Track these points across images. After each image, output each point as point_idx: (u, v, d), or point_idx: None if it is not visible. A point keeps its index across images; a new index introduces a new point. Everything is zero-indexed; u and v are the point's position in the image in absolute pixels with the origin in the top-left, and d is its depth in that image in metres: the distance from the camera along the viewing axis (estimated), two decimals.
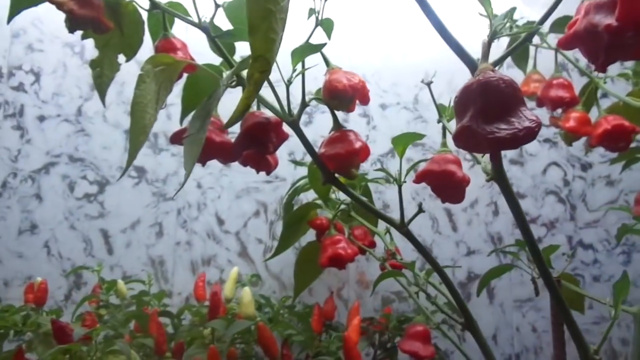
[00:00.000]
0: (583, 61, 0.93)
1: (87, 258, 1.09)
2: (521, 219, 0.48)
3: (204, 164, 0.64)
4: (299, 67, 0.59)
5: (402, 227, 0.58)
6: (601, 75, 0.84)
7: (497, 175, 0.48)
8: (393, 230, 1.13)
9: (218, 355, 0.62)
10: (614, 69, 1.15)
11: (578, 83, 0.88)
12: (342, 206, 0.94)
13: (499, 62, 0.81)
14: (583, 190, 1.24)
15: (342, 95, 0.58)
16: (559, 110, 0.86)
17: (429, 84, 0.60)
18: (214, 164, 1.17)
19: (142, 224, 1.12)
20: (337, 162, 0.60)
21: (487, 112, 0.37)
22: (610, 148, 0.80)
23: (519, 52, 0.93)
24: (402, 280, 0.87)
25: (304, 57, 0.58)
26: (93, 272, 0.93)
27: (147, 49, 0.66)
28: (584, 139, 1.02)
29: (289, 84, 0.59)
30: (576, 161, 1.25)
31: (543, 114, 1.26)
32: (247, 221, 1.15)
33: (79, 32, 0.61)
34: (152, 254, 1.12)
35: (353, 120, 1.21)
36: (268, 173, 0.69)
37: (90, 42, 1.18)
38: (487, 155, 0.58)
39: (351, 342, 0.67)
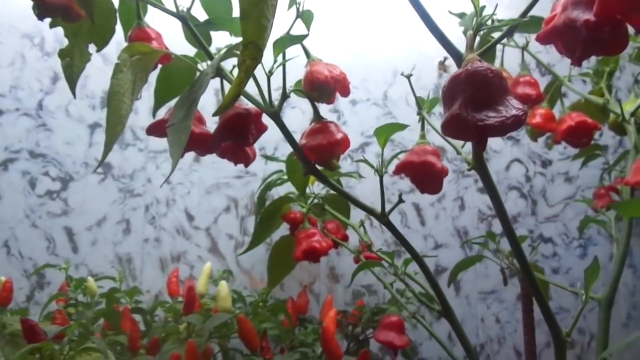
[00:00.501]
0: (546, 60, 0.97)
1: (50, 257, 1.05)
2: (499, 206, 0.50)
3: (182, 155, 0.63)
4: (279, 58, 0.59)
5: (383, 217, 0.59)
6: (564, 74, 0.88)
7: (478, 164, 0.49)
8: (366, 223, 1.15)
9: (196, 350, 0.61)
10: (575, 68, 1.20)
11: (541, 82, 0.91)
12: (316, 200, 0.94)
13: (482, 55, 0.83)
14: (543, 186, 1.29)
15: (323, 87, 0.59)
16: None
17: (408, 77, 0.61)
18: (184, 159, 1.15)
19: (108, 221, 1.09)
20: (319, 153, 0.60)
21: (476, 101, 0.38)
22: (573, 144, 0.83)
23: (486, 50, 0.95)
24: (377, 273, 0.89)
25: (285, 47, 0.58)
26: (60, 270, 0.90)
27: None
28: (546, 136, 1.07)
29: (270, 74, 0.59)
30: (537, 158, 1.30)
31: None
32: (217, 217, 1.14)
33: (41, 23, 0.59)
34: (119, 251, 1.09)
35: (325, 115, 1.21)
36: (246, 165, 0.68)
37: (50, 34, 1.15)
38: (467, 146, 0.60)
39: (329, 333, 0.68)
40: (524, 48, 0.87)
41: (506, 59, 0.97)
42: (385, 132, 0.57)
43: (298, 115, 1.21)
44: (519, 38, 0.91)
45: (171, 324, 0.77)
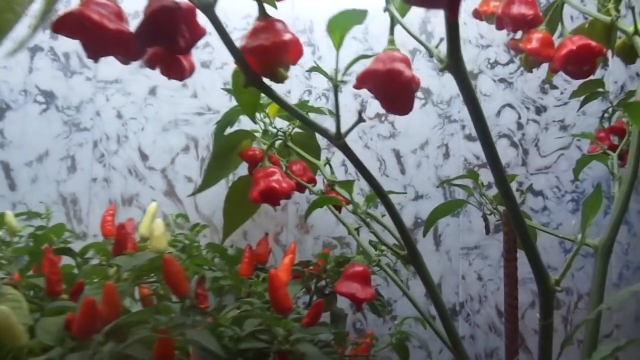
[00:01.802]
0: None
1: None
2: (480, 123, 0.39)
3: (96, 59, 0.52)
4: None
5: (339, 139, 0.49)
6: None
7: (453, 60, 0.38)
8: (335, 164, 1.04)
9: (115, 294, 0.51)
10: None
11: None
12: (280, 135, 0.83)
13: None
14: (536, 134, 1.18)
15: None
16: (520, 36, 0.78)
17: None
18: (137, 90, 1.03)
19: (51, 156, 0.98)
20: (262, 58, 0.49)
21: None
22: (574, 73, 0.72)
23: None
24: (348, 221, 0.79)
25: None
26: None
27: None
28: (539, 77, 0.94)
29: None
30: (531, 103, 1.18)
31: (499, 52, 1.18)
32: (174, 157, 1.03)
33: None
34: (63, 190, 0.98)
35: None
36: (181, 79, 0.57)
37: None
38: (442, 47, 0.48)
39: (277, 281, 0.58)
40: None
41: None
42: (340, 26, 0.45)
43: None
44: None
45: (103, 267, 0.67)
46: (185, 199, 1.02)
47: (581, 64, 0.70)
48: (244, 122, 0.90)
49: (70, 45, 1.00)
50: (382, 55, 0.48)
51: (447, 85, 1.13)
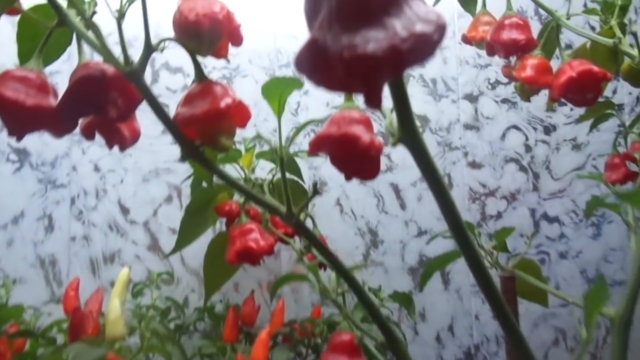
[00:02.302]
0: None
1: None
2: (445, 203, 0.32)
3: (19, 137, 0.46)
4: None
5: (291, 218, 0.41)
6: (563, 11, 0.68)
7: (407, 133, 0.31)
8: (322, 214, 0.97)
9: None
10: (578, 4, 0.99)
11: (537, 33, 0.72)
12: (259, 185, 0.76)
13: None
14: (547, 156, 1.09)
15: (196, 31, 0.40)
16: (514, 60, 0.70)
17: None
18: None
19: (26, 217, 0.93)
20: (198, 128, 0.42)
21: (347, 11, 0.19)
22: (576, 101, 0.64)
23: None
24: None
25: None
26: None
27: None
28: (545, 94, 0.87)
29: (120, 16, 0.40)
30: (538, 123, 1.10)
31: (498, 70, 1.10)
32: (157, 208, 0.97)
33: None
34: (41, 252, 0.93)
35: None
36: (122, 148, 0.51)
37: None
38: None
39: None
40: None
41: (496, 3, 0.77)
42: (277, 92, 0.38)
43: (250, 85, 1.02)
44: None
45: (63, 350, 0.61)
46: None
47: (584, 91, 0.62)
48: (227, 169, 0.84)
49: None
50: (337, 115, 0.41)
51: (446, 111, 1.06)
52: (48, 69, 0.49)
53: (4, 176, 0.93)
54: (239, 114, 0.43)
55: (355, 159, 0.41)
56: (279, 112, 0.39)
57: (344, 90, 0.21)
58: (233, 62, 1.02)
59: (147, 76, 0.96)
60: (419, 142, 0.31)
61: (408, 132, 0.32)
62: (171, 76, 0.99)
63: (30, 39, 0.53)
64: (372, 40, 0.18)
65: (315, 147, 0.41)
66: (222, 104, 0.41)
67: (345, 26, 0.19)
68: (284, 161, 0.41)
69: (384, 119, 0.37)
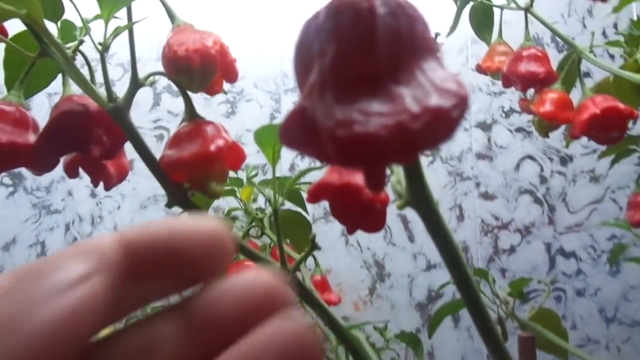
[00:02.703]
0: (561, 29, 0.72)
1: None
2: (459, 273, 0.27)
3: None
4: (119, 22, 0.37)
5: (285, 276, 0.37)
6: (585, 44, 0.64)
7: (417, 197, 0.27)
8: (326, 246, 0.93)
9: None
10: (599, 38, 0.95)
11: (554, 60, 0.68)
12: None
13: (454, 26, 0.59)
14: (563, 188, 1.04)
15: (187, 67, 0.37)
16: (532, 92, 0.66)
17: None
18: None
19: (19, 243, 0.89)
20: (186, 172, 0.38)
21: (343, 73, 0.15)
22: (600, 139, 0.60)
23: (480, 17, 0.72)
24: None
25: (122, 4, 0.36)
26: None
27: None
28: (563, 127, 0.82)
29: (103, 49, 0.37)
30: (554, 154, 1.05)
31: (514, 99, 1.06)
32: None
33: None
34: None
35: (287, 110, 0.99)
36: (107, 187, 0.47)
37: None
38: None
39: None
40: (527, 10, 0.63)
41: (511, 31, 0.73)
42: (272, 140, 0.34)
43: (255, 110, 0.99)
44: None
45: None
46: None
47: (608, 129, 0.58)
48: (228, 200, 0.80)
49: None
50: None
51: (457, 139, 1.01)
52: (48, 90, 0.46)
53: None
54: (233, 155, 0.40)
55: (358, 211, 0.37)
56: (273, 161, 0.35)
57: (340, 166, 0.17)
58: (237, 85, 0.99)
59: (149, 99, 0.93)
60: (432, 209, 0.27)
61: (419, 196, 0.27)
62: (173, 99, 0.95)
63: (17, 65, 0.50)
64: (374, 116, 0.14)
65: (314, 197, 0.37)
66: (213, 146, 0.37)
67: (341, 95, 0.15)
68: (278, 214, 0.37)
69: (390, 174, 0.33)
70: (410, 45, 0.16)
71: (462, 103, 0.14)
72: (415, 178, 0.27)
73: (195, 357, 0.13)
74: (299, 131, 0.16)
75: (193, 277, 0.14)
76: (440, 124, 0.14)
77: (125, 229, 0.14)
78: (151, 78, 0.40)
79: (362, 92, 0.15)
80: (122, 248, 0.13)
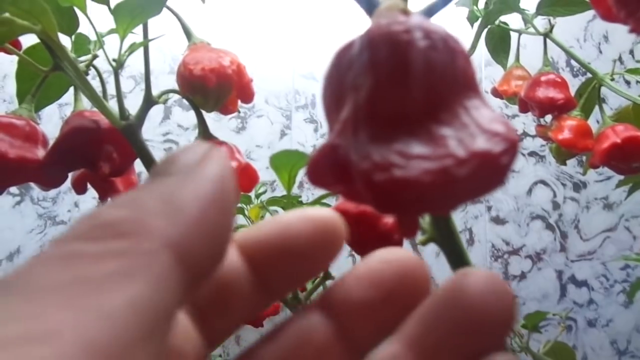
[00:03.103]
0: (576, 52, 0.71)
1: None
2: None
3: (2, 189, 0.41)
4: (135, 38, 0.36)
5: (295, 306, 0.36)
6: (606, 70, 0.63)
7: (442, 233, 0.26)
8: (333, 266, 0.91)
9: None
10: (610, 54, 0.94)
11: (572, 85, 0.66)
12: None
13: (472, 49, 0.58)
14: (576, 214, 1.02)
15: (202, 87, 0.36)
16: (549, 117, 0.65)
17: None
18: None
19: (23, 254, 0.88)
20: None
21: (379, 112, 0.14)
22: (620, 169, 0.58)
23: (497, 40, 0.71)
24: None
25: (139, 21, 0.35)
26: None
27: None
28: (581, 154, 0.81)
29: (117, 66, 0.36)
30: (568, 179, 1.03)
31: (528, 122, 1.05)
32: None
33: None
34: None
35: (298, 127, 0.98)
36: None
37: None
38: None
39: None
40: (547, 35, 0.62)
41: (527, 54, 0.72)
42: (288, 165, 0.33)
43: (265, 126, 0.98)
44: (541, 24, 0.66)
45: None
46: None
47: (629, 159, 0.56)
48: (237, 219, 0.79)
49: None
50: None
51: None
52: (59, 100, 0.45)
53: (3, 210, 0.89)
54: (246, 177, 0.39)
55: (374, 241, 0.35)
56: (289, 186, 0.34)
57: (376, 211, 0.16)
58: (259, 103, 0.98)
59: (159, 112, 0.92)
60: (457, 245, 0.26)
61: (444, 232, 0.26)
62: (184, 113, 0.95)
63: (30, 78, 0.49)
64: (415, 160, 0.13)
65: None
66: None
67: (376, 134, 0.14)
68: None
69: None
70: (452, 82, 0.14)
71: (512, 148, 0.13)
72: (440, 217, 0.26)
73: (346, 344, 0.14)
74: (329, 169, 0.15)
75: (309, 270, 0.15)
76: (488, 171, 0.13)
77: (239, 233, 0.15)
78: (164, 96, 0.39)
79: (400, 131, 0.14)
80: (240, 253, 0.14)
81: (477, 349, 0.13)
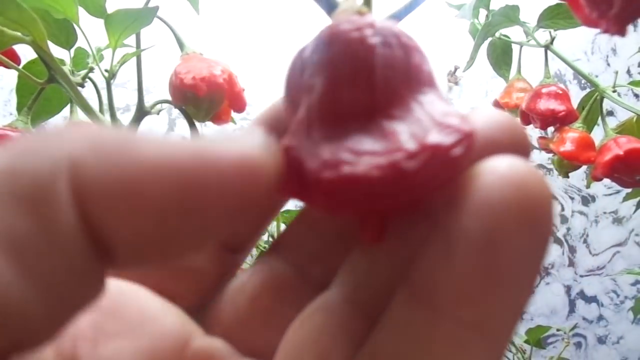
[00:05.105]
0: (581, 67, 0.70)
1: None
2: None
3: None
4: (127, 50, 0.37)
5: None
6: (608, 83, 0.62)
7: None
8: None
9: None
10: (624, 77, 0.93)
11: (576, 97, 0.66)
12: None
13: (471, 61, 0.58)
14: (584, 229, 1.01)
15: (192, 95, 0.36)
16: (551, 130, 0.64)
17: None
18: None
19: None
20: None
21: (332, 111, 0.14)
22: (623, 182, 0.57)
23: (499, 53, 0.71)
24: None
25: (130, 31, 0.35)
26: None
27: None
28: (585, 166, 0.80)
29: (109, 76, 0.36)
30: (576, 193, 1.02)
31: (535, 135, 1.04)
32: None
33: None
34: None
35: None
36: None
37: None
38: None
39: None
40: (547, 47, 0.61)
41: (531, 67, 0.72)
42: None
43: None
44: (542, 36, 0.65)
45: None
46: None
47: (631, 172, 0.55)
48: None
49: None
50: None
51: None
52: (65, 113, 0.45)
53: None
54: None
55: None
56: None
57: (329, 215, 0.15)
58: (252, 113, 0.99)
59: (163, 125, 0.93)
60: None
61: None
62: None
63: (29, 91, 0.50)
64: (365, 155, 0.13)
65: None
66: None
67: (330, 133, 0.14)
68: None
69: None
70: (406, 77, 0.14)
71: (465, 140, 0.13)
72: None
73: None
74: (286, 175, 0.14)
75: None
76: (440, 164, 0.13)
77: None
78: (158, 106, 0.39)
79: (353, 129, 0.14)
80: None
81: None
